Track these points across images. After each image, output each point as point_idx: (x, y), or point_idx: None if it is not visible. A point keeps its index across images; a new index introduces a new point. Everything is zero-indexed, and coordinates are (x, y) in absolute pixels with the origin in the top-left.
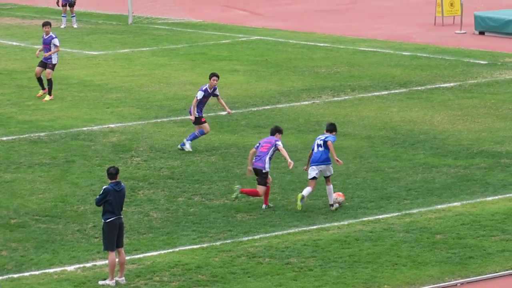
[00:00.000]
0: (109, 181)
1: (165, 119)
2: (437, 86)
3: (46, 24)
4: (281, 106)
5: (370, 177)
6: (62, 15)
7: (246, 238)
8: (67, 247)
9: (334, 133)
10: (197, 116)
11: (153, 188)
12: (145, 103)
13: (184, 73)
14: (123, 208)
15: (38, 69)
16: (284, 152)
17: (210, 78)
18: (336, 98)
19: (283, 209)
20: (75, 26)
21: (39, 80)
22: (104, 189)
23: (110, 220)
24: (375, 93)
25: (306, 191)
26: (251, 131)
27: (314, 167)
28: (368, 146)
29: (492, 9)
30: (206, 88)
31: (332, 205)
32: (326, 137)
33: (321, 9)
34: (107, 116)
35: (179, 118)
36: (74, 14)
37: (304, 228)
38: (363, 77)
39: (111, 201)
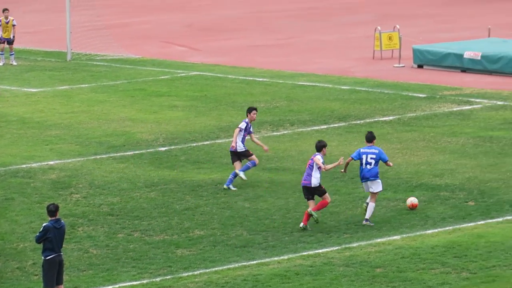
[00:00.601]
0: (49, 219)
1: (104, 156)
2: (376, 119)
3: None
4: (220, 141)
5: None
6: (0, 52)
7: (186, 274)
8: (6, 285)
9: (374, 141)
10: (244, 150)
11: (93, 224)
12: (84, 139)
13: (124, 109)
14: (63, 245)
15: None
16: (321, 164)
17: (250, 112)
18: (275, 133)
19: (223, 244)
20: (14, 63)
21: None
22: (44, 226)
23: (50, 257)
24: (314, 127)
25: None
26: (190, 166)
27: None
28: None
29: (430, 43)
30: (248, 121)
31: (367, 220)
32: (378, 155)
33: (260, 44)
34: (47, 153)
35: (118, 154)
36: (13, 52)
37: (244, 263)
38: (302, 112)
39: (51, 238)
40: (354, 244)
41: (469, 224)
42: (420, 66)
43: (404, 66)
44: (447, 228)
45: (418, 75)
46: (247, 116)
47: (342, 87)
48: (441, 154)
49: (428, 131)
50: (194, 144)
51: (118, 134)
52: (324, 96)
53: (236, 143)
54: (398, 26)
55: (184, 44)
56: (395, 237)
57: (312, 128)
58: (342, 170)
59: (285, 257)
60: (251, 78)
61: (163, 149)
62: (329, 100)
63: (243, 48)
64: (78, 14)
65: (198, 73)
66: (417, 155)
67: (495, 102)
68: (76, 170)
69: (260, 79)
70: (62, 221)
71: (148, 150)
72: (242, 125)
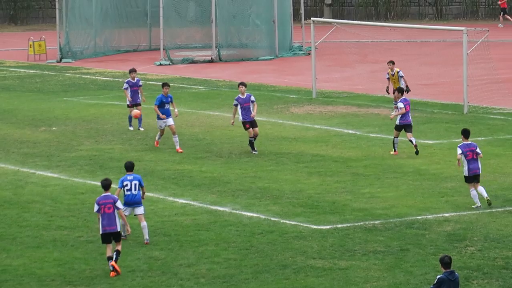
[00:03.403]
0: (443, 270)
1: (500, 209)
2: None
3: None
4: None
5: None
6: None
7: None
8: None
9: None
10: None
11: (487, 278)
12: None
13: None
14: None
15: None
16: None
17: None
18: None
19: None
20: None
21: None
22: (438, 278)
23: None
24: None
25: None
26: None
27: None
28: None
29: None
30: None
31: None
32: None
33: None
34: (442, 205)
35: None
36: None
37: None
38: None
39: None
40: None
41: None
42: None
43: None
44: None
45: None
46: None
47: None
48: None
49: None
50: None
51: None
52: None
53: None
54: None
55: None
56: None
57: None
58: None
59: None
60: None
61: None
62: None
63: None
64: (475, 67)
65: None
66: None
67: None
68: (471, 223)
69: None
70: (456, 273)
71: None
72: None
